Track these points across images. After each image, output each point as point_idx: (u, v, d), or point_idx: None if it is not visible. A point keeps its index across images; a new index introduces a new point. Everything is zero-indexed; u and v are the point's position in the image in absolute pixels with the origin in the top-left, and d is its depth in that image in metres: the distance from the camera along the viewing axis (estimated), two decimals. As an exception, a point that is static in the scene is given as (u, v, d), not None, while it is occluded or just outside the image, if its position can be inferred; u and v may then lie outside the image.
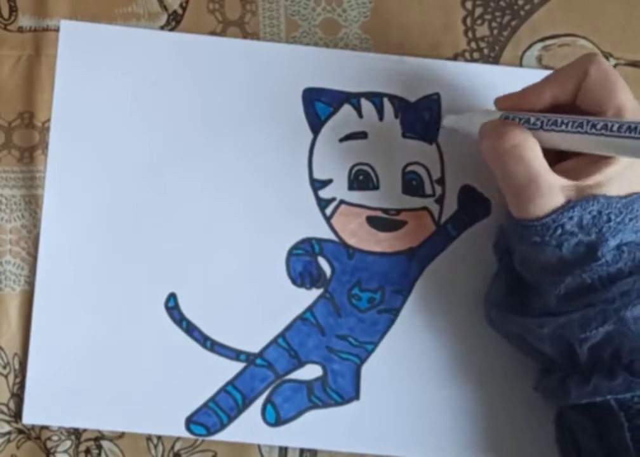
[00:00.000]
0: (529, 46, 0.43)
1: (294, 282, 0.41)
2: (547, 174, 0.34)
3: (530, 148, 0.35)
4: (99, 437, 0.40)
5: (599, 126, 0.33)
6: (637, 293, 0.34)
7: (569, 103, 0.36)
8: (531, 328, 0.37)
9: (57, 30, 0.42)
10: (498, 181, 0.37)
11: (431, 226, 0.42)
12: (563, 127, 0.34)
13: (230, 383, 0.41)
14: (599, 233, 0.34)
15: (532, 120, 0.36)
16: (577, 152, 0.35)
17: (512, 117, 0.36)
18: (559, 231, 0.34)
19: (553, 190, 0.34)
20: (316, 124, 0.42)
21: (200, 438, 0.40)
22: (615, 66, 0.43)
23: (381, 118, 0.42)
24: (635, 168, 0.35)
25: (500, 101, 0.38)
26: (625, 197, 0.35)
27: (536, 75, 0.43)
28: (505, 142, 0.35)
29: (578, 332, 0.35)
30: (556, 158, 0.36)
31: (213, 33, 0.43)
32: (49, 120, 0.41)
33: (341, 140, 0.42)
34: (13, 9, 0.42)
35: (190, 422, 0.40)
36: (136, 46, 0.42)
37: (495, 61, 0.43)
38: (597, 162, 0.34)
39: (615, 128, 0.33)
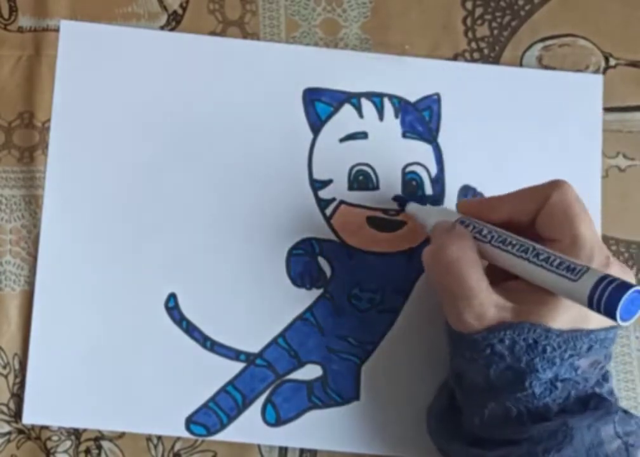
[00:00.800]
0: (529, 46, 0.43)
1: (294, 282, 0.41)
2: (482, 291, 0.33)
3: (467, 264, 0.34)
4: (99, 437, 0.40)
5: (541, 257, 0.33)
6: (562, 437, 0.32)
7: (527, 224, 0.35)
8: (460, 454, 0.36)
9: (57, 30, 0.42)
10: (436, 288, 0.36)
11: (431, 226, 0.42)
12: (509, 247, 0.34)
13: (230, 383, 0.41)
14: (530, 363, 0.33)
15: (484, 231, 0.35)
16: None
17: (467, 223, 0.36)
18: (488, 350, 0.33)
19: (485, 307, 0.33)
20: (316, 124, 0.42)
21: (200, 439, 0.40)
22: (615, 66, 0.43)
23: (381, 118, 0.42)
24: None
25: (461, 205, 0.38)
26: (567, 331, 0.33)
27: (536, 75, 0.43)
28: (447, 255, 0.34)
29: None
30: (503, 272, 0.35)
31: (213, 33, 0.43)
32: (49, 120, 0.41)
33: (341, 140, 0.42)
34: (13, 9, 0.42)
35: (190, 422, 0.40)
36: (136, 46, 0.42)
37: (495, 61, 0.43)
38: (543, 289, 0.33)
39: (556, 263, 0.32)
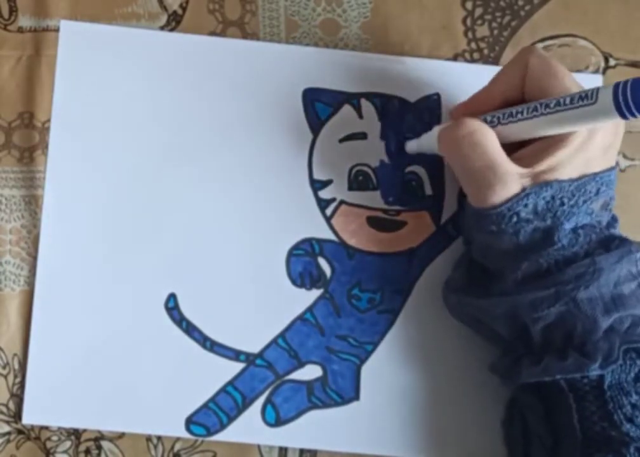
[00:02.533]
0: (529, 46, 0.43)
1: (294, 282, 0.41)
2: (503, 161, 0.35)
3: (486, 135, 0.35)
4: (99, 437, 0.40)
5: (552, 104, 0.34)
6: (590, 275, 0.34)
7: (519, 99, 0.37)
8: (487, 309, 0.37)
9: (57, 30, 0.42)
10: (455, 170, 0.37)
11: (431, 226, 0.42)
12: (519, 116, 0.35)
13: (230, 383, 0.40)
14: (554, 218, 0.35)
15: (488, 119, 0.36)
16: (532, 140, 0.35)
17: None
18: (515, 219, 0.35)
19: (509, 177, 0.35)
20: (316, 124, 0.42)
21: (200, 439, 0.40)
22: (615, 66, 0.43)
23: (381, 118, 0.42)
24: (586, 149, 0.34)
25: (454, 112, 0.39)
26: (577, 179, 0.35)
27: (536, 75, 0.43)
28: (461, 130, 0.35)
29: (531, 311, 0.35)
30: (512, 151, 0.36)
31: (213, 33, 0.43)
32: (49, 120, 0.41)
33: (341, 140, 0.42)
34: (13, 9, 0.42)
35: (190, 422, 0.40)
36: (136, 46, 0.42)
37: (495, 61, 0.43)
38: (549, 147, 0.35)
39: (568, 101, 0.33)
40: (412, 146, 0.41)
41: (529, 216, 0.35)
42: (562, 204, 0.35)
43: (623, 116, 0.31)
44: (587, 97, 0.32)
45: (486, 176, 0.35)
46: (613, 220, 0.37)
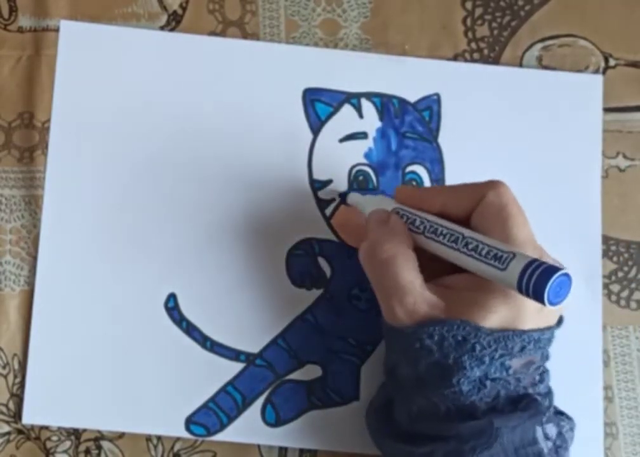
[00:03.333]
0: (529, 46, 0.43)
1: (294, 282, 0.41)
2: (415, 289, 0.34)
3: (401, 262, 0.34)
4: (99, 437, 0.40)
5: (470, 246, 0.33)
6: (488, 436, 0.32)
7: (461, 219, 0.35)
8: (391, 450, 0.36)
9: (57, 30, 0.42)
10: (370, 279, 0.36)
11: (431, 226, 0.42)
12: (441, 238, 0.34)
13: (230, 383, 0.40)
14: (458, 360, 0.33)
15: (417, 222, 0.36)
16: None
17: (401, 214, 0.37)
18: (417, 345, 0.33)
19: (417, 305, 0.33)
20: (316, 124, 0.42)
21: (200, 439, 0.40)
22: (615, 66, 0.43)
23: (381, 118, 0.42)
24: (513, 303, 0.33)
25: (398, 191, 0.38)
26: (498, 331, 0.33)
27: (536, 76, 0.43)
28: (381, 252, 0.35)
29: None
30: (444, 263, 0.35)
31: (213, 33, 0.43)
32: (49, 120, 0.41)
33: (341, 140, 0.42)
34: (13, 9, 0.42)
35: (189, 422, 0.40)
36: (136, 46, 0.42)
37: (495, 61, 0.43)
38: (477, 287, 0.33)
39: (484, 252, 0.32)
40: (353, 198, 0.41)
41: (432, 346, 0.33)
42: (473, 349, 0.33)
43: (521, 292, 0.31)
44: (499, 260, 0.32)
45: (395, 299, 0.34)
46: (540, 379, 0.34)
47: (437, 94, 0.43)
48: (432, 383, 0.34)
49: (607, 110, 0.43)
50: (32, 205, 0.41)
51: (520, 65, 0.43)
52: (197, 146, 0.42)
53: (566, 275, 0.30)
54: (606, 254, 0.42)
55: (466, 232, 0.34)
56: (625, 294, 0.42)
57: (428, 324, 0.33)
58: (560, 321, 0.35)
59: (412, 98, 0.42)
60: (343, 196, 0.41)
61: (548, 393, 0.35)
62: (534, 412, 0.33)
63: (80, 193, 0.41)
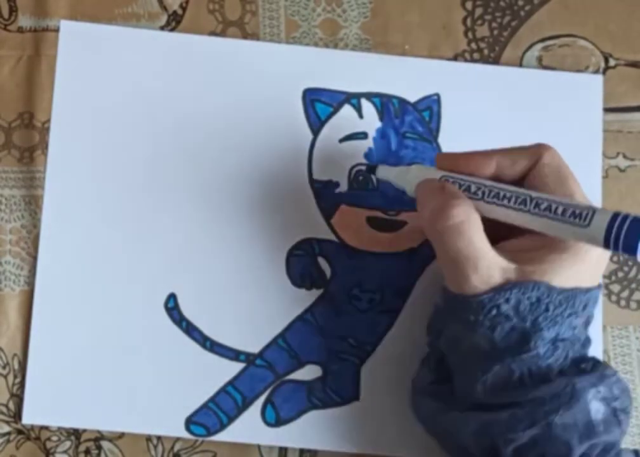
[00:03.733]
0: (529, 47, 0.43)
1: (294, 282, 0.41)
2: (488, 253, 0.33)
3: (472, 226, 0.33)
4: (99, 437, 0.40)
5: (542, 206, 0.32)
6: (567, 397, 0.32)
7: (515, 182, 0.35)
8: (457, 423, 0.36)
9: (57, 30, 0.42)
10: (436, 252, 0.35)
11: (431, 226, 0.42)
12: (505, 202, 0.33)
13: (230, 383, 0.40)
14: (535, 322, 0.33)
15: (473, 188, 0.34)
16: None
17: (452, 181, 0.35)
18: (494, 311, 0.33)
19: (492, 270, 0.33)
20: (316, 124, 0.42)
21: (200, 439, 0.40)
22: (615, 66, 0.43)
23: (381, 118, 0.42)
24: (582, 260, 0.33)
25: (440, 159, 0.37)
26: (568, 289, 0.33)
27: (536, 76, 0.43)
28: (447, 219, 0.33)
29: (505, 432, 0.33)
30: (500, 230, 0.35)
31: (213, 33, 0.43)
32: (49, 120, 0.41)
33: (341, 140, 0.42)
34: (13, 9, 0.42)
35: (189, 422, 0.40)
36: (136, 46, 0.42)
37: (495, 61, 0.43)
38: (544, 247, 0.33)
39: (560, 211, 0.31)
40: (384, 172, 0.40)
41: (509, 312, 0.33)
42: (547, 309, 0.33)
43: (608, 248, 0.30)
44: (581, 217, 0.31)
45: (467, 267, 0.33)
46: (587, 341, 0.35)
47: (437, 94, 0.43)
48: (510, 349, 0.33)
49: (607, 110, 0.43)
50: (32, 205, 0.41)
51: (520, 65, 0.43)
52: (196, 146, 0.42)
53: None
54: (606, 254, 0.42)
55: (533, 193, 0.33)
56: (625, 294, 0.42)
57: (505, 289, 0.33)
58: (600, 285, 0.35)
59: (412, 98, 0.42)
60: (368, 170, 0.40)
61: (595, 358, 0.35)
62: (602, 373, 0.34)
63: (80, 193, 0.41)
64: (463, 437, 0.35)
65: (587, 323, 0.35)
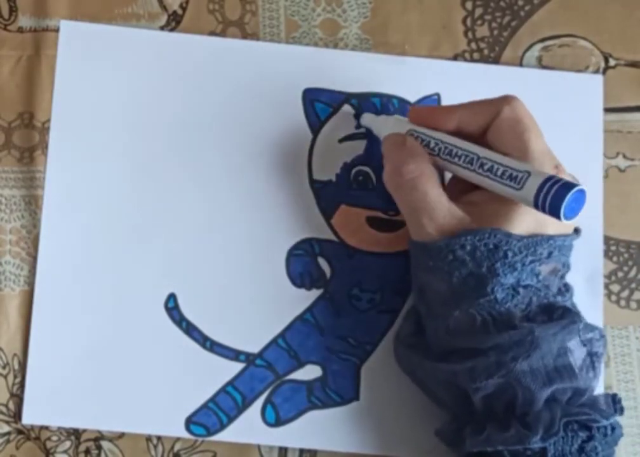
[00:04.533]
0: (529, 47, 0.43)
1: (294, 282, 0.41)
2: (443, 204, 0.35)
3: (427, 181, 0.35)
4: (99, 437, 0.40)
5: (485, 167, 0.34)
6: (529, 345, 0.33)
7: (476, 135, 0.36)
8: (429, 373, 0.37)
9: (57, 30, 0.42)
10: (397, 202, 0.37)
11: (431, 226, 0.42)
12: (456, 159, 0.35)
13: (230, 383, 0.40)
14: (491, 268, 0.34)
15: (432, 144, 0.36)
16: None
17: (415, 135, 0.37)
18: (450, 257, 0.34)
19: (447, 218, 0.35)
20: (316, 125, 0.42)
21: (200, 439, 0.40)
22: (615, 66, 0.43)
23: (381, 118, 0.42)
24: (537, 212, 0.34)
25: (412, 111, 0.39)
26: (528, 237, 0.34)
27: (536, 75, 0.43)
28: (403, 175, 0.36)
29: (469, 381, 0.34)
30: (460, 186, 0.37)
31: (212, 33, 0.43)
32: (49, 120, 0.41)
33: (340, 140, 0.42)
34: (13, 9, 0.42)
35: (189, 422, 0.40)
36: (136, 46, 0.42)
37: (495, 61, 0.43)
38: (498, 199, 0.34)
39: (499, 173, 0.33)
40: (367, 119, 0.41)
41: (465, 257, 0.34)
42: (506, 256, 0.34)
43: (538, 210, 0.32)
44: (515, 180, 0.33)
45: (425, 215, 0.35)
46: (565, 289, 0.36)
47: (437, 94, 0.43)
48: (468, 294, 0.34)
49: (607, 110, 0.43)
50: (32, 205, 0.41)
51: (520, 65, 0.43)
52: (196, 146, 0.42)
53: (581, 191, 0.32)
54: (606, 254, 0.42)
55: (481, 152, 0.35)
56: (625, 294, 0.42)
57: (460, 235, 0.34)
58: (577, 231, 0.37)
59: (412, 98, 0.42)
60: (357, 118, 0.42)
61: (574, 305, 0.36)
62: (570, 321, 0.34)
63: (80, 193, 0.41)
64: (434, 386, 0.37)
65: (556, 271, 0.35)
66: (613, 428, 0.35)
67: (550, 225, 0.35)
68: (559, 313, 0.35)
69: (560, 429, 0.33)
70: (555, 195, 0.31)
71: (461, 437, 0.35)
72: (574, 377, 0.34)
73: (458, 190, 0.37)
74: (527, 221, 0.34)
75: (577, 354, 0.34)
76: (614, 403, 0.35)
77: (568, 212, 0.31)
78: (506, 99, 0.36)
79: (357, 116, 0.42)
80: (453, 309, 0.35)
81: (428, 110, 0.39)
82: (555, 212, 0.31)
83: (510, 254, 0.34)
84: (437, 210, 0.35)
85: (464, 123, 0.36)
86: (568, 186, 0.31)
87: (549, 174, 0.32)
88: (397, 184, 0.36)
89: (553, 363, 0.33)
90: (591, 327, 0.35)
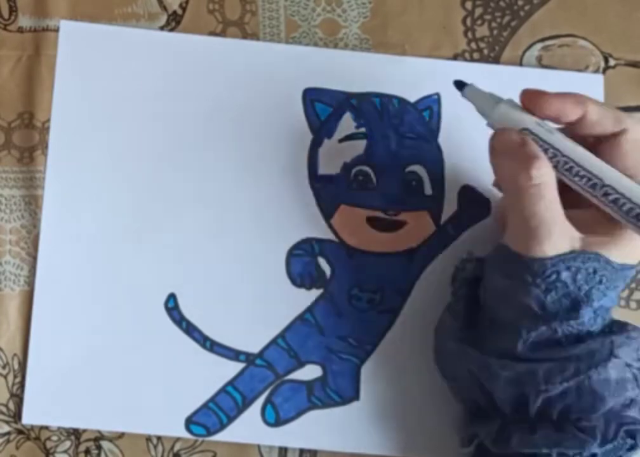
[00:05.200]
0: (529, 46, 0.43)
1: (294, 282, 0.41)
2: (561, 219, 0.33)
3: (552, 190, 0.33)
4: (99, 437, 0.40)
5: (610, 198, 0.32)
6: (607, 354, 0.34)
7: (591, 140, 0.34)
8: (489, 367, 0.36)
9: (57, 30, 0.42)
10: (509, 210, 0.35)
11: (431, 226, 0.42)
12: (577, 179, 0.33)
13: (230, 383, 0.40)
14: (588, 292, 0.34)
15: (549, 153, 0.33)
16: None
17: (532, 138, 0.34)
18: (554, 277, 0.34)
19: (562, 237, 0.33)
20: (316, 124, 0.42)
21: (200, 439, 0.40)
22: (615, 66, 0.43)
23: (381, 118, 0.42)
24: (637, 240, 0.34)
25: (527, 96, 0.35)
26: (622, 264, 0.34)
27: (536, 75, 0.43)
28: (530, 179, 0.33)
29: (541, 383, 0.34)
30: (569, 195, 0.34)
31: (212, 33, 0.43)
32: (49, 120, 0.41)
33: (341, 140, 0.42)
34: (13, 9, 0.42)
35: (189, 422, 0.40)
36: (136, 46, 0.42)
37: (495, 61, 0.43)
38: (610, 222, 0.34)
39: (625, 208, 0.32)
40: (471, 94, 0.37)
41: (567, 279, 0.34)
42: (601, 282, 0.34)
43: None
44: None
45: (541, 230, 0.33)
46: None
47: (437, 94, 0.43)
48: (559, 314, 0.34)
49: (607, 110, 0.43)
50: (32, 205, 0.41)
51: (520, 65, 0.43)
52: (196, 146, 0.42)
53: None
54: (606, 254, 0.42)
55: (607, 178, 0.32)
56: (624, 294, 0.42)
57: (570, 256, 0.33)
58: None
59: (412, 97, 0.42)
60: (459, 85, 0.37)
61: None
62: (629, 335, 0.35)
63: (80, 193, 0.41)
64: (492, 382, 0.36)
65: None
66: None
67: (637, 255, 0.35)
68: (617, 326, 0.35)
69: (617, 436, 0.34)
70: None
71: (504, 436, 0.35)
72: (630, 389, 0.34)
73: (565, 200, 0.34)
74: (626, 248, 0.34)
75: (636, 366, 0.35)
76: None
77: None
78: (634, 119, 0.34)
79: (459, 86, 0.37)
80: (540, 324, 0.34)
81: (554, 97, 0.34)
82: None
83: (604, 280, 0.34)
84: (556, 225, 0.33)
85: (586, 121, 0.34)
86: None
87: None
88: (523, 188, 0.33)
89: (621, 374, 0.34)
90: None
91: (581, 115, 0.34)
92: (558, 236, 0.33)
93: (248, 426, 0.40)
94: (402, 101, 0.42)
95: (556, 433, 0.34)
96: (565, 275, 0.33)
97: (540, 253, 0.34)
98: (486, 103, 0.36)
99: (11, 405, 0.40)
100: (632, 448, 0.34)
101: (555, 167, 0.33)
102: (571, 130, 0.35)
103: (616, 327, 0.35)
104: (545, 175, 0.33)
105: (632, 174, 0.33)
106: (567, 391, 0.34)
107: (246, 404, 0.40)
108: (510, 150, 0.34)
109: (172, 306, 0.41)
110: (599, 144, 0.34)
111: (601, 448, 0.34)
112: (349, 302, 0.41)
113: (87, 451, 0.40)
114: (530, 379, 0.34)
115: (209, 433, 0.40)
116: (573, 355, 0.34)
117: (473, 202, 0.42)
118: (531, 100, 0.35)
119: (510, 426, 0.35)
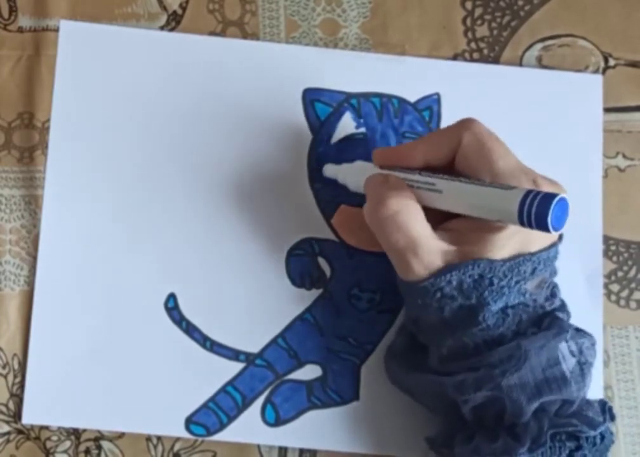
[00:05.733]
0: (529, 46, 0.43)
1: (294, 282, 0.41)
2: (427, 239, 0.34)
3: (410, 215, 0.34)
4: (99, 437, 0.40)
5: (470, 180, 0.33)
6: (517, 360, 0.33)
7: (444, 166, 0.35)
8: (418, 384, 0.37)
9: (57, 30, 0.42)
10: (382, 244, 0.36)
11: (431, 226, 0.42)
12: (437, 180, 0.34)
13: (230, 383, 0.40)
14: (480, 298, 0.34)
15: (409, 177, 0.35)
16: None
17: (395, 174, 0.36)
18: (438, 294, 0.34)
19: (431, 255, 0.34)
20: (316, 124, 0.42)
21: (200, 439, 0.40)
22: (615, 66, 0.43)
23: (381, 118, 0.42)
24: (519, 229, 0.33)
25: (377, 154, 0.38)
26: (510, 259, 0.34)
27: (536, 75, 0.43)
28: (386, 209, 0.34)
29: (457, 394, 0.34)
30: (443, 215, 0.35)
31: (212, 33, 0.43)
32: (49, 120, 0.41)
33: (341, 140, 0.42)
34: (12, 9, 0.42)
35: (189, 422, 0.40)
36: (136, 46, 0.42)
37: (495, 61, 0.43)
38: (481, 227, 0.34)
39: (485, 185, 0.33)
40: (330, 170, 0.40)
41: (453, 292, 0.34)
42: (492, 283, 0.33)
43: (523, 225, 0.31)
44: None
45: (408, 254, 0.34)
46: (552, 294, 0.35)
47: (437, 94, 0.43)
48: (460, 325, 0.34)
49: (607, 110, 0.43)
50: (32, 205, 0.41)
51: (520, 65, 0.43)
52: (196, 146, 0.42)
53: (563, 199, 0.30)
54: (605, 254, 0.42)
55: (463, 180, 0.33)
56: (624, 294, 0.42)
57: (445, 272, 0.33)
58: (560, 237, 0.36)
59: (412, 97, 0.42)
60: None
61: (563, 306, 0.36)
62: (558, 331, 0.34)
63: (80, 193, 0.41)
64: (423, 397, 0.37)
65: (543, 283, 0.35)
66: (603, 437, 0.34)
67: (535, 241, 0.34)
68: (547, 322, 0.34)
69: (548, 440, 0.33)
70: (539, 209, 0.30)
71: (451, 444, 0.36)
72: (564, 388, 0.34)
73: (435, 220, 0.35)
74: (510, 244, 0.34)
75: (566, 364, 0.34)
76: (604, 412, 0.35)
77: (555, 224, 0.30)
78: (464, 125, 0.35)
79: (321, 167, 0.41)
80: (446, 338, 0.35)
81: (392, 151, 0.37)
82: (542, 226, 0.30)
83: (495, 280, 0.33)
84: (421, 246, 0.34)
85: (430, 157, 0.36)
86: (549, 197, 0.30)
87: (527, 189, 0.31)
88: (379, 220, 0.35)
89: (542, 374, 0.33)
90: (581, 334, 0.35)
91: (422, 157, 0.36)
92: (427, 255, 0.34)
93: (248, 426, 0.40)
94: (402, 101, 0.42)
95: (488, 441, 0.34)
96: (448, 290, 0.34)
97: (413, 276, 0.34)
98: (343, 170, 0.39)
99: (11, 405, 0.40)
100: (577, 449, 0.34)
101: (417, 187, 0.35)
102: (430, 169, 0.36)
103: (545, 323, 0.34)
104: (394, 204, 0.34)
105: (482, 178, 0.34)
106: (490, 399, 0.34)
107: (246, 403, 0.40)
108: (375, 187, 0.36)
109: (172, 306, 0.41)
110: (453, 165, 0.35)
111: (533, 453, 0.33)
112: (349, 302, 0.41)
113: (87, 451, 0.40)
114: (450, 390, 0.35)
115: (209, 433, 0.40)
116: (488, 363, 0.34)
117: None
118: (378, 158, 0.37)
119: (456, 435, 0.36)
